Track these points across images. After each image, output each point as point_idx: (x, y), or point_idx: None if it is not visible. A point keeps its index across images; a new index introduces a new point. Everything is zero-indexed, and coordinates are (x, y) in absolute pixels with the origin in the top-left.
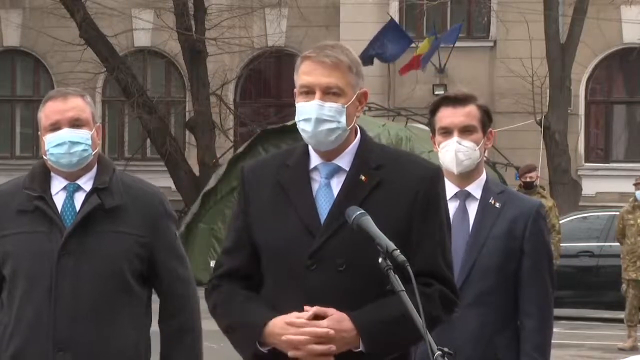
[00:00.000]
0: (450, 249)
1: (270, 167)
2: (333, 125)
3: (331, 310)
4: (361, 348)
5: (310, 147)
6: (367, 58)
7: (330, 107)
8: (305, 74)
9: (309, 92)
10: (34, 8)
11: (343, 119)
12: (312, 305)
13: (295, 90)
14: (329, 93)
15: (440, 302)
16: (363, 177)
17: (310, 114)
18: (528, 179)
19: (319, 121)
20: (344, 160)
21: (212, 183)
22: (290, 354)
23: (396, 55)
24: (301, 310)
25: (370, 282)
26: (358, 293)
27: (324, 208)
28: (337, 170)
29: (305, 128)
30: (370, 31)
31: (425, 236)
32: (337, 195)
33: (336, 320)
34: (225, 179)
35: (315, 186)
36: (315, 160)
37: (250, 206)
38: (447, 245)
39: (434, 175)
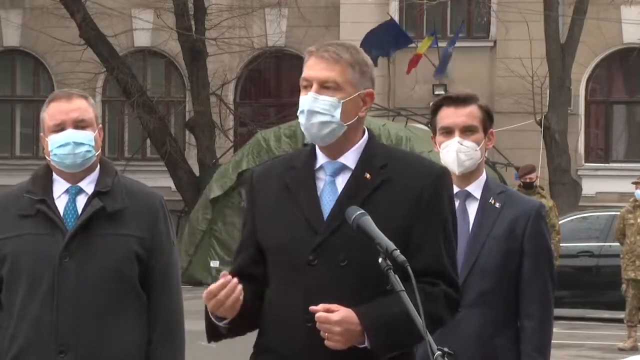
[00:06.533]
0: (455, 249)
1: (277, 170)
2: (326, 118)
3: (336, 307)
4: (366, 344)
5: (317, 147)
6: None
7: (324, 100)
8: (308, 68)
9: (307, 85)
10: (34, 8)
11: (337, 113)
12: (312, 300)
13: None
14: (325, 87)
15: (445, 303)
16: (368, 176)
17: (304, 106)
18: (528, 180)
19: (311, 113)
20: (350, 159)
21: (217, 191)
22: None
23: (393, 50)
24: (302, 305)
25: (371, 278)
26: (359, 289)
27: (328, 205)
28: (343, 168)
29: (301, 121)
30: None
31: (430, 235)
32: (341, 192)
33: (345, 313)
34: (224, 179)
35: (320, 184)
36: (321, 159)
37: (256, 210)
38: (453, 245)
39: (439, 175)
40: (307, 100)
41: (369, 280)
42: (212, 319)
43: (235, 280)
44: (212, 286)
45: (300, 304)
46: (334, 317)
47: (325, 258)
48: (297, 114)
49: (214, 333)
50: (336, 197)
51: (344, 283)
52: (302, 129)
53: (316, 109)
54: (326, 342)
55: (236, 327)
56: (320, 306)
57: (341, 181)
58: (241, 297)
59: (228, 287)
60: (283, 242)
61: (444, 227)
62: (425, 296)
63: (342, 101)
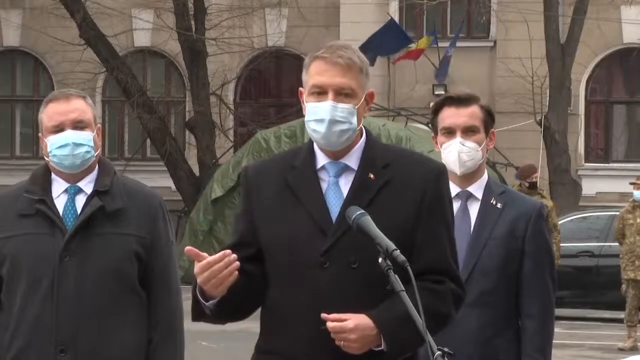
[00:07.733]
0: (455, 245)
1: (275, 168)
2: (345, 126)
3: (348, 315)
4: (382, 346)
5: (315, 147)
6: (368, 58)
7: (343, 108)
8: (318, 74)
9: (321, 92)
10: (34, 8)
11: (354, 120)
12: (322, 301)
13: (302, 89)
14: (341, 94)
15: (453, 300)
16: (372, 176)
17: (323, 115)
18: (534, 180)
19: (332, 122)
20: (352, 159)
21: (218, 192)
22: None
23: (393, 51)
24: (311, 307)
25: (379, 279)
26: (370, 290)
27: (334, 206)
28: (345, 169)
29: (317, 129)
30: (370, 31)
31: (435, 233)
32: (348, 193)
33: (359, 319)
34: (225, 180)
35: (324, 185)
36: (322, 159)
37: (255, 208)
38: (454, 242)
39: (440, 173)
40: (326, 108)
41: (377, 282)
42: (199, 296)
43: (235, 256)
44: (211, 257)
45: (309, 306)
46: (349, 324)
47: (337, 260)
48: (309, 119)
49: (197, 312)
50: (342, 198)
51: (354, 284)
52: (318, 136)
53: (337, 118)
54: (343, 349)
55: (220, 312)
56: (332, 316)
57: (344, 182)
58: (233, 277)
59: (225, 260)
60: (288, 243)
61: (446, 224)
62: (435, 295)
63: (356, 107)
